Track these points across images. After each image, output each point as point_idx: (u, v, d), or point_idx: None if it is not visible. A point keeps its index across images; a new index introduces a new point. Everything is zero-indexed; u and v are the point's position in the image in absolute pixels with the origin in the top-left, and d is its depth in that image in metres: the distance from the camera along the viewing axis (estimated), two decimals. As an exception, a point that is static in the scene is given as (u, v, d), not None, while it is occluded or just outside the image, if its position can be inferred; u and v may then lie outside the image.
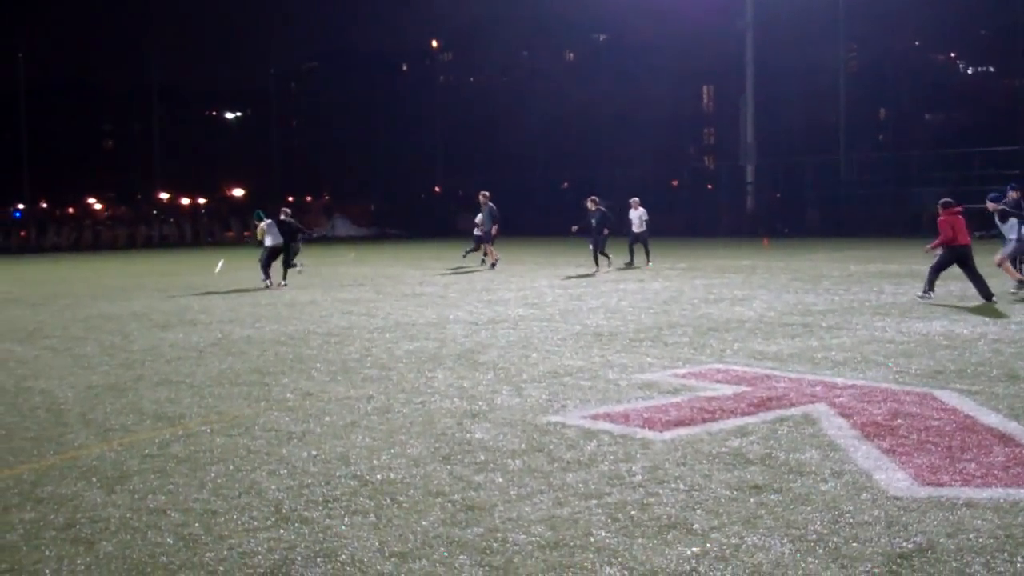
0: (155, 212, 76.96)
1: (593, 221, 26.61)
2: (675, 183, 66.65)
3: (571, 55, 79.38)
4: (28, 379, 11.46)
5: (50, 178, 75.70)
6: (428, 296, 20.55)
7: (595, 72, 70.51)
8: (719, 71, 65.00)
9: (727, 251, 35.68)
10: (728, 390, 9.59)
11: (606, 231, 26.61)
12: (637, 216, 28.44)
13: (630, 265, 27.96)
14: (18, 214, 73.49)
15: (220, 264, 29.87)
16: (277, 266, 24.33)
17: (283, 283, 24.21)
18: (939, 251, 17.42)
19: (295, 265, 25.11)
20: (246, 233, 68.60)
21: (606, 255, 26.81)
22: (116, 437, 8.39)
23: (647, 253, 28.15)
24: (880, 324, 14.24)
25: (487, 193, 29.74)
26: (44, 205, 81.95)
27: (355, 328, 15.36)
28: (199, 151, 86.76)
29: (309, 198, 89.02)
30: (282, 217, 24.59)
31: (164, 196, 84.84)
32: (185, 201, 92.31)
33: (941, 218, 17.17)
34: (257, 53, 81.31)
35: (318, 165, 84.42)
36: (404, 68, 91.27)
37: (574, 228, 27.97)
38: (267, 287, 23.60)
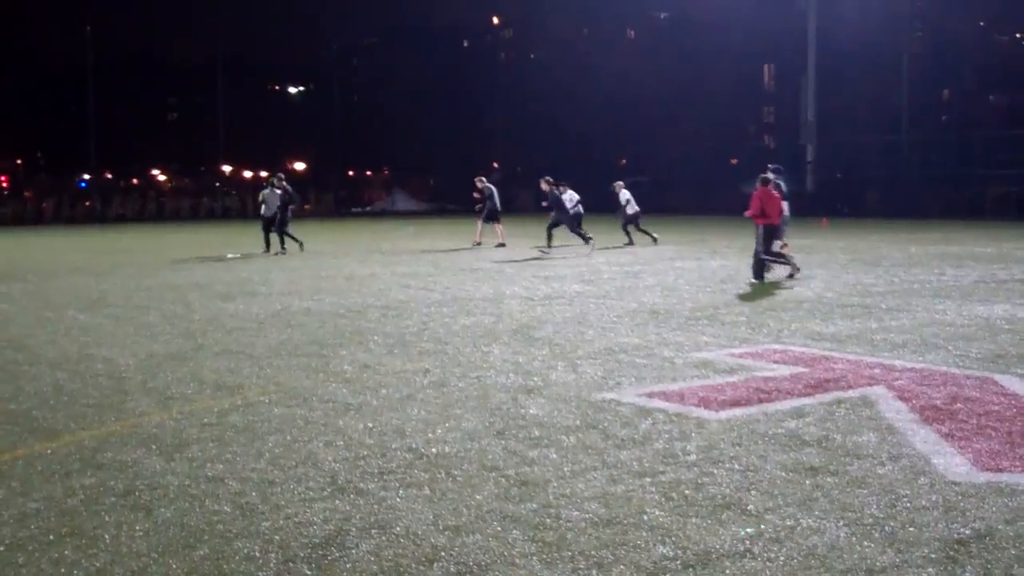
0: (218, 184, 77.68)
1: (545, 203, 27.23)
2: (734, 161, 66.03)
3: (632, 32, 78.77)
4: (91, 346, 11.62)
5: (116, 149, 76.68)
6: (485, 271, 20.55)
7: (656, 50, 69.98)
8: (781, 49, 64.16)
9: (787, 230, 35.29)
10: (785, 371, 9.48)
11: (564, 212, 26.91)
12: (624, 199, 28.16)
13: (630, 244, 28.19)
14: (83, 184, 74.45)
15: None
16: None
17: (281, 251, 24.98)
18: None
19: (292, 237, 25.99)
20: (306, 207, 69.13)
21: (580, 234, 26.80)
22: (176, 405, 8.47)
23: (646, 232, 28.69)
24: (940, 307, 14.00)
25: (549, 179, 27.93)
26: (109, 176, 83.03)
27: (413, 302, 15.40)
28: (262, 125, 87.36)
29: (369, 172, 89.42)
30: (276, 184, 25.38)
31: (227, 169, 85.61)
32: (247, 174, 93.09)
33: (754, 192, 17.59)
34: (320, 28, 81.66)
35: (378, 140, 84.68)
36: (465, 44, 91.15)
37: (543, 203, 27.45)
38: (276, 254, 24.43)
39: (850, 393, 8.51)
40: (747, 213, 17.80)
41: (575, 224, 26.51)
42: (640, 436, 7.19)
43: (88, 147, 67.55)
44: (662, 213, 50.94)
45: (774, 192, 17.79)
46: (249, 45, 78.43)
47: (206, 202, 69.33)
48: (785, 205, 18.29)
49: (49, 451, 7.09)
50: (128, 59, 75.79)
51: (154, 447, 7.15)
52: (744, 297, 15.40)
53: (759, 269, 17.40)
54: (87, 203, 64.30)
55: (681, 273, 19.44)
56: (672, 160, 62.49)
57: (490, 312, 14.05)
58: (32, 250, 31.46)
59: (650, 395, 8.53)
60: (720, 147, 64.65)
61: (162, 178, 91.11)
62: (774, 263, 17.97)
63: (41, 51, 69.64)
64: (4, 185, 79.14)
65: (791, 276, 17.86)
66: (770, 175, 17.77)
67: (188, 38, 74.62)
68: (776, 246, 17.77)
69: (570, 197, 27.21)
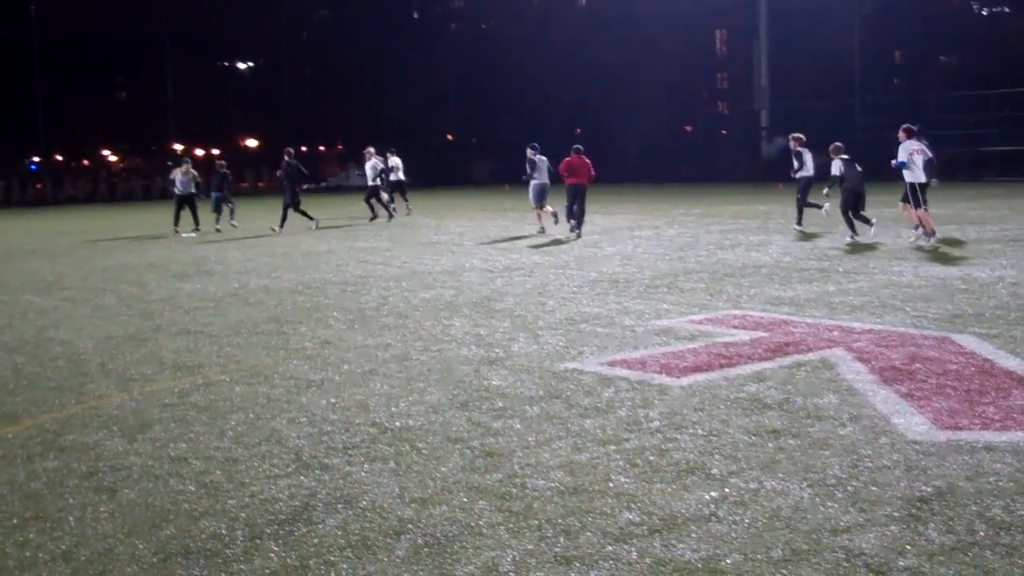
0: (170, 163, 76.86)
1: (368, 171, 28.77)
2: (688, 128, 66.22)
3: (583, 0, 78.60)
4: (48, 330, 11.50)
5: (64, 130, 75.53)
6: (443, 244, 20.52)
7: (607, 17, 69.76)
8: (732, 14, 64.26)
9: (743, 196, 35.51)
10: (745, 336, 9.56)
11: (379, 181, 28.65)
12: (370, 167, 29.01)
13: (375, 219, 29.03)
14: (34, 167, 73.41)
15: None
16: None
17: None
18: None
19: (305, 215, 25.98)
20: (260, 183, 68.58)
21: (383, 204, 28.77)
22: (136, 386, 8.42)
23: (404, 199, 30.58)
24: (897, 268, 14.16)
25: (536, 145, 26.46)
26: (59, 158, 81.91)
27: (371, 277, 15.36)
28: (212, 102, 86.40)
29: (323, 148, 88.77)
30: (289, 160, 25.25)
31: (178, 147, 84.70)
32: (199, 152, 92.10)
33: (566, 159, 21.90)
34: (268, 2, 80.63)
35: (331, 114, 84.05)
36: (415, 16, 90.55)
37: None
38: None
39: (810, 356, 8.60)
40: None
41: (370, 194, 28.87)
42: (603, 404, 7.23)
43: (37, 129, 66.56)
44: (618, 183, 51.03)
45: (579, 158, 21.90)
46: (197, 21, 77.29)
47: (159, 181, 68.52)
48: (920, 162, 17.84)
49: (10, 435, 7.03)
50: (74, 38, 74.60)
51: (116, 428, 7.11)
52: (702, 264, 15.49)
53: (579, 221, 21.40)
54: (38, 185, 63.42)
55: (639, 242, 19.51)
56: (626, 128, 62.50)
57: (450, 285, 14.04)
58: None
59: (612, 364, 8.58)
60: (674, 114, 64.76)
61: (113, 159, 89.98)
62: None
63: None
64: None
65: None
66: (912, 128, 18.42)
67: (134, 15, 73.36)
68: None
69: (372, 165, 28.87)
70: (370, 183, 28.29)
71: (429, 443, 6.46)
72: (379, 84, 78.45)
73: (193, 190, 27.17)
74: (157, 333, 11.00)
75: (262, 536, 5.03)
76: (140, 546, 4.96)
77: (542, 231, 22.46)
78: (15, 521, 5.36)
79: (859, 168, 18.65)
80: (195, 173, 27.57)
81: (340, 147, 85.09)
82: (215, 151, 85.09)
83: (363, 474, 5.91)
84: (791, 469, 5.72)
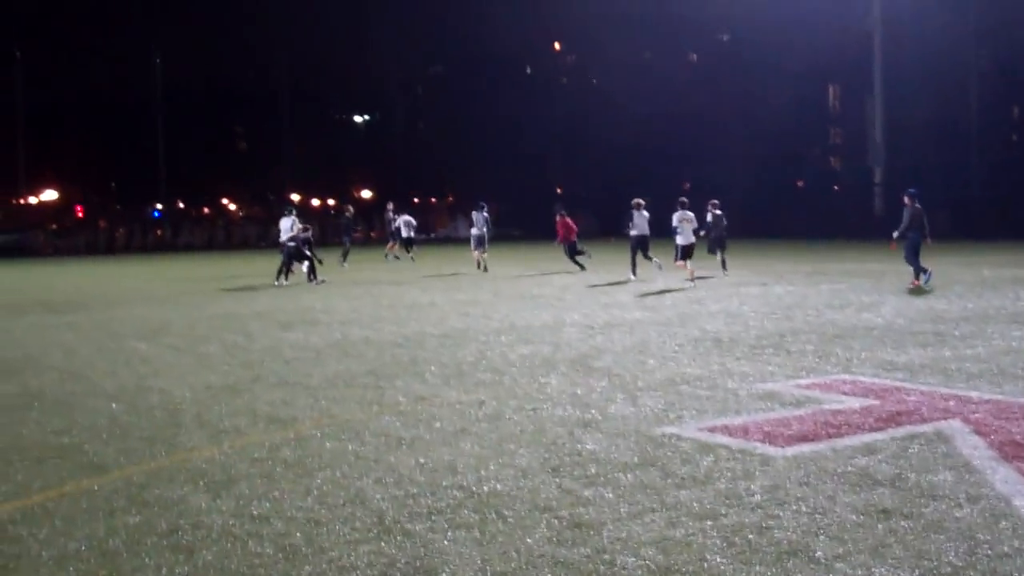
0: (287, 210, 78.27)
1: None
2: (800, 183, 65.15)
3: (694, 56, 78.23)
4: (149, 378, 11.52)
5: (186, 179, 77.63)
6: (545, 298, 20.27)
7: (718, 72, 69.32)
8: (845, 70, 63.18)
9: (853, 254, 34.61)
10: (855, 403, 9.07)
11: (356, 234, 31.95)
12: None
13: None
14: (157, 214, 75.45)
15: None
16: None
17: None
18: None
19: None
20: (372, 233, 69.37)
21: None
22: (228, 439, 8.29)
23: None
24: (1017, 334, 13.44)
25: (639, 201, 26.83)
26: (181, 205, 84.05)
27: (471, 330, 15.16)
28: (328, 152, 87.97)
29: (433, 199, 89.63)
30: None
31: (295, 197, 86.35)
32: (315, 202, 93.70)
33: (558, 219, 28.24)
34: (386, 57, 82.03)
35: (443, 166, 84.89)
36: (528, 71, 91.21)
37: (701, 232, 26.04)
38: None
39: (924, 427, 8.09)
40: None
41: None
42: (701, 475, 6.84)
43: (158, 178, 68.51)
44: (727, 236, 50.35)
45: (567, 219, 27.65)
46: (315, 74, 78.99)
47: (276, 229, 69.76)
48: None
49: (96, 487, 6.93)
50: (196, 89, 76.79)
51: (201, 483, 6.96)
52: (811, 324, 14.94)
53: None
54: (158, 232, 65.08)
55: (745, 299, 19.00)
56: (736, 183, 61.76)
57: (548, 340, 13.76)
58: (101, 279, 31.77)
59: (712, 429, 8.18)
60: (785, 169, 63.81)
61: (232, 207, 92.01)
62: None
63: (113, 82, 70.77)
64: (79, 215, 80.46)
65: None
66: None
67: (255, 68, 75.29)
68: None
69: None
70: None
71: (516, 511, 6.15)
72: (491, 137, 78.99)
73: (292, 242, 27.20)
74: (255, 384, 10.92)
75: (335, 608, 4.77)
76: (210, 614, 4.74)
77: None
78: (87, 582, 5.20)
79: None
80: (299, 225, 27.58)
81: (450, 199, 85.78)
82: (330, 201, 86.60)
83: (445, 543, 5.62)
84: (902, 555, 5.27)
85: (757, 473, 6.85)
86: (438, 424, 8.62)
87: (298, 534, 5.84)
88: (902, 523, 5.76)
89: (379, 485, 6.80)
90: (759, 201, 58.60)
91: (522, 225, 69.21)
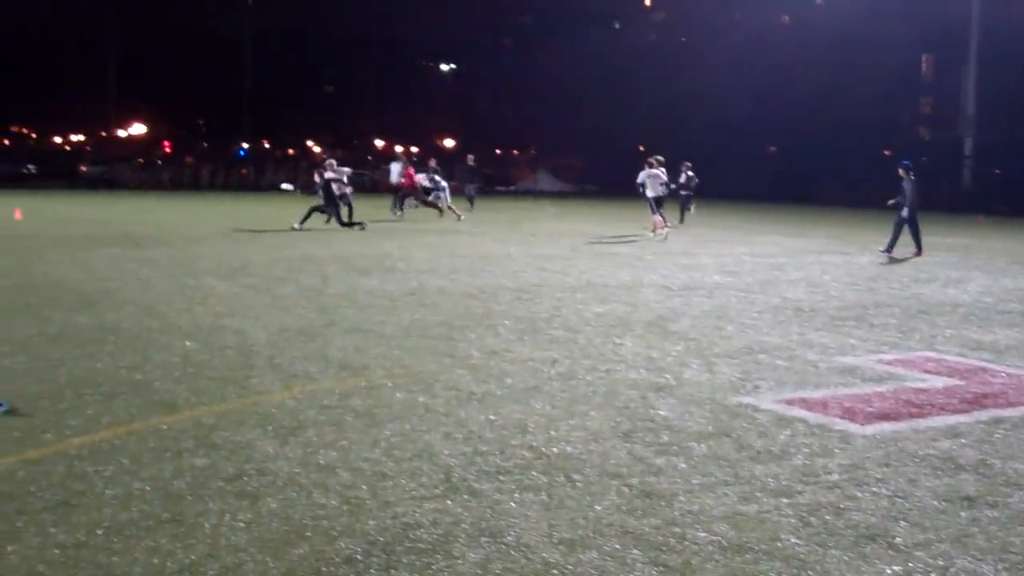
0: (369, 158, 78.47)
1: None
2: (887, 152, 63.71)
3: (786, 18, 76.56)
4: (224, 317, 11.53)
5: (272, 119, 78.15)
6: (623, 256, 20.01)
7: (810, 37, 67.75)
8: (940, 38, 61.37)
9: (940, 227, 33.72)
10: (939, 382, 8.74)
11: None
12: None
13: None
14: (243, 152, 75.99)
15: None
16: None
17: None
18: None
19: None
20: (451, 183, 69.28)
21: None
22: (298, 384, 8.24)
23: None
24: (1110, 318, 12.92)
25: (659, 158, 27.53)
26: (267, 145, 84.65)
27: (546, 286, 14.98)
28: (413, 100, 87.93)
29: (516, 151, 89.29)
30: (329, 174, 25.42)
31: (379, 143, 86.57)
32: (399, 148, 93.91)
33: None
34: (472, 6, 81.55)
35: (525, 119, 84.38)
36: (616, 26, 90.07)
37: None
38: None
39: (1010, 412, 7.77)
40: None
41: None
42: (778, 449, 6.62)
43: (243, 118, 68.97)
44: (810, 203, 49.50)
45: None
46: (403, 21, 78.74)
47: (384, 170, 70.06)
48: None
49: (165, 426, 6.90)
50: (285, 32, 77.08)
51: (270, 428, 6.90)
52: (895, 298, 14.52)
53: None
54: (243, 171, 65.51)
55: (827, 268, 18.57)
56: (822, 149, 60.50)
57: (625, 300, 13.54)
58: (184, 215, 32.09)
59: (790, 402, 7.93)
60: (872, 138, 62.37)
61: (317, 150, 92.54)
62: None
63: (203, 19, 71.32)
64: (167, 151, 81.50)
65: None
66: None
67: (343, 13, 75.16)
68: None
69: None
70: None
71: (585, 476, 5.99)
72: (574, 92, 78.30)
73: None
74: (329, 329, 10.87)
75: (398, 566, 4.67)
76: (271, 564, 4.66)
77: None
78: (151, 523, 5.15)
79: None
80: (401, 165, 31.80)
81: (533, 152, 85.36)
82: (413, 148, 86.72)
83: (512, 505, 5.49)
84: (986, 546, 5.03)
85: (835, 451, 6.61)
86: (509, 380, 8.48)
87: (364, 487, 5.74)
88: (986, 512, 5.50)
89: (448, 440, 6.69)
90: (845, 168, 57.42)
91: (603, 182, 68.67)
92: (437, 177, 32.08)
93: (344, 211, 26.02)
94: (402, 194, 32.40)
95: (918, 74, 70.44)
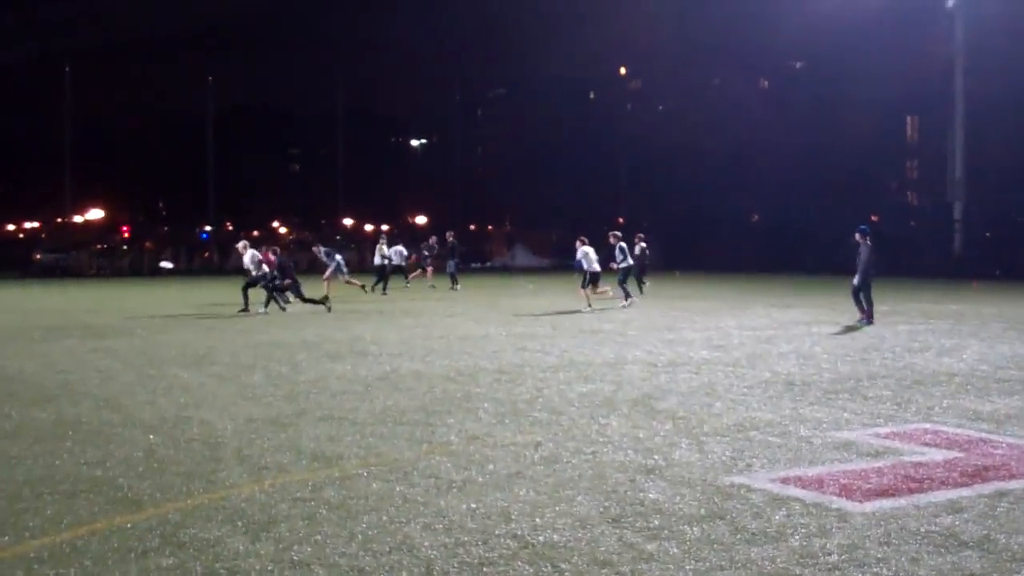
0: (338, 237, 78.75)
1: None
2: (875, 218, 64.40)
3: (765, 83, 77.81)
4: (189, 408, 11.48)
5: (237, 200, 78.42)
6: (606, 333, 20.06)
7: (790, 100, 68.84)
8: (925, 100, 62.43)
9: (932, 294, 34.03)
10: (938, 455, 8.77)
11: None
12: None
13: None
14: (206, 236, 76.11)
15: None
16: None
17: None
18: None
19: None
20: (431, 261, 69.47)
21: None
22: (269, 476, 8.19)
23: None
24: (1112, 383, 13.02)
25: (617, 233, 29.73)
26: (230, 227, 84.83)
27: (528, 366, 15.00)
28: (383, 177, 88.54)
29: (491, 227, 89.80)
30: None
31: (348, 222, 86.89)
32: (368, 227, 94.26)
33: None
34: (443, 79, 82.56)
35: (501, 193, 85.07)
36: (591, 96, 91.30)
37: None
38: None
39: (1013, 484, 7.79)
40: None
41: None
42: (773, 530, 6.61)
43: (208, 198, 69.12)
44: (797, 272, 49.87)
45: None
46: (370, 96, 79.63)
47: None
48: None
49: (129, 525, 6.84)
50: (249, 109, 77.74)
51: (240, 524, 6.84)
52: (889, 368, 14.60)
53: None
54: (206, 254, 65.57)
55: (818, 339, 18.66)
56: (807, 216, 61.16)
57: (609, 379, 13.56)
58: (145, 302, 32.02)
59: (785, 480, 7.94)
60: (859, 203, 63.06)
61: (283, 230, 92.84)
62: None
63: (163, 100, 71.82)
64: (125, 235, 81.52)
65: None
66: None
67: (309, 89, 75.79)
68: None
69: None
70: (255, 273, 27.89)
71: (574, 565, 5.96)
72: (551, 163, 79.03)
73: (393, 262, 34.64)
74: (300, 418, 10.83)
75: (378, 667, 4.61)
76: (243, 669, 4.60)
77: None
78: (116, 629, 5.08)
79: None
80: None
81: (508, 227, 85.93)
82: (384, 227, 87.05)
83: (497, 598, 5.45)
84: (995, 626, 5.02)
85: (833, 530, 6.60)
86: (491, 466, 8.46)
87: (340, 583, 5.70)
88: (994, 592, 5.50)
89: (428, 531, 6.65)
90: (832, 236, 57.97)
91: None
92: (325, 251, 32.77)
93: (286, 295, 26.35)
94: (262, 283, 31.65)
95: (904, 137, 71.63)
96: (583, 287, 27.17)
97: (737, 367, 14.77)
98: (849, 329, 20.64)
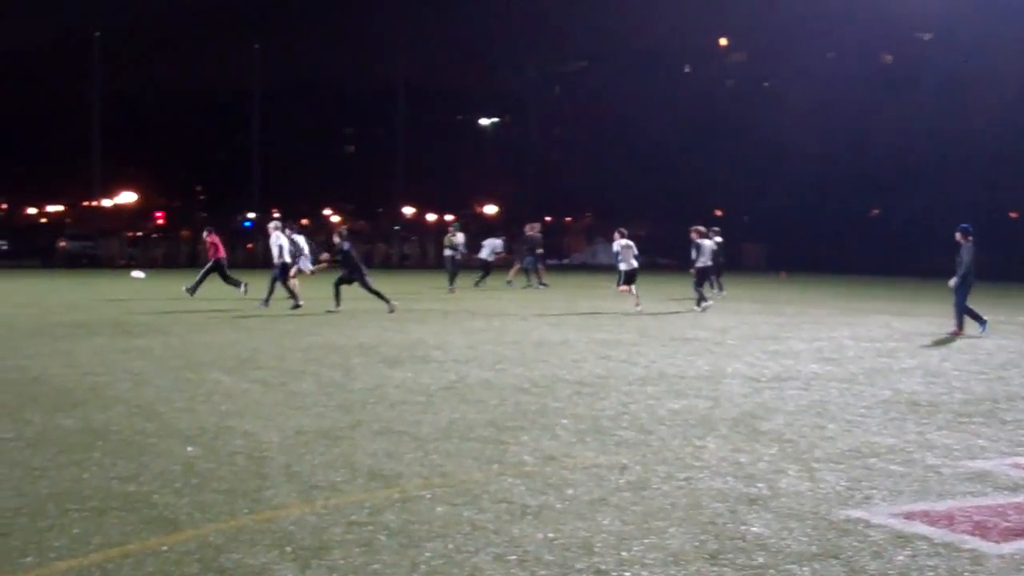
0: (396, 228, 79.25)
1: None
2: (1014, 215, 63.39)
3: (889, 58, 76.98)
4: (232, 417, 11.62)
5: (284, 185, 78.96)
6: (701, 342, 20.00)
7: (916, 77, 67.99)
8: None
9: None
10: (1089, 490, 8.63)
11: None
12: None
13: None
14: (248, 224, 76.70)
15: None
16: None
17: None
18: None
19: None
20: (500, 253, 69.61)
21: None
22: (321, 497, 8.26)
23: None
24: None
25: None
26: (276, 215, 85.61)
27: (612, 377, 15.00)
28: (448, 161, 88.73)
29: (569, 219, 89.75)
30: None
31: (408, 211, 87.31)
32: (431, 217, 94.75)
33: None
34: (517, 51, 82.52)
35: (581, 180, 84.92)
36: (687, 70, 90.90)
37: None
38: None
39: None
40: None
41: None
42: (896, 572, 6.54)
43: (253, 182, 69.69)
44: (921, 276, 49.26)
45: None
46: (435, 70, 79.56)
47: (382, 248, 70.71)
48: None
49: (165, 547, 6.93)
50: (298, 84, 78.24)
51: (288, 549, 6.91)
52: (1029, 388, 14.39)
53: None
54: (249, 245, 66.05)
55: (948, 354, 18.45)
56: (935, 211, 60.44)
57: (705, 394, 13.52)
58: (181, 297, 32.47)
59: (909, 516, 7.86)
60: (994, 197, 62.16)
61: (335, 219, 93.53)
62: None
63: (204, 73, 72.16)
64: (160, 222, 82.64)
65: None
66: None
67: (366, 63, 75.86)
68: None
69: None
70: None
71: (666, 606, 5.95)
72: (640, 148, 78.65)
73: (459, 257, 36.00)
74: (355, 431, 10.92)
75: None
76: None
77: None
78: (151, 663, 5.16)
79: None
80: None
81: (589, 218, 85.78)
82: (447, 217, 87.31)
83: (579, 641, 5.45)
84: None
85: (966, 574, 6.52)
86: (571, 491, 8.47)
87: (401, 618, 5.74)
88: None
89: (499, 563, 6.67)
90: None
91: (673, 254, 68.78)
92: (298, 239, 32.90)
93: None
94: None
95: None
96: (622, 284, 28.10)
97: (853, 384, 14.66)
98: (982, 342, 20.35)
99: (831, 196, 66.12)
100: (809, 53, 74.08)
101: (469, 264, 39.05)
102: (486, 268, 39.44)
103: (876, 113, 66.29)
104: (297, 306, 26.57)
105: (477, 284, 38.30)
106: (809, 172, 67.48)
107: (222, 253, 31.27)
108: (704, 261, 28.38)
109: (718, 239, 32.55)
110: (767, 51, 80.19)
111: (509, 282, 39.53)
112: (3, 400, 12.68)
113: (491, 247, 39.77)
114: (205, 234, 32.00)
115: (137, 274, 36.01)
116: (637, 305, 27.54)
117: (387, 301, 25.96)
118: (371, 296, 26.15)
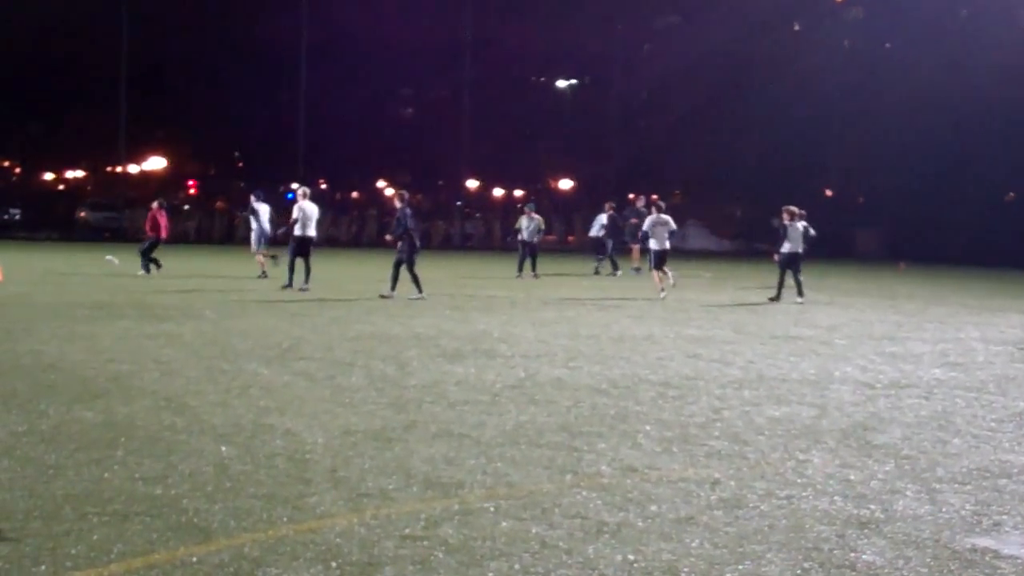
0: (459, 203, 79.33)
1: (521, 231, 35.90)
2: None
3: (1031, 16, 75.88)
4: (271, 414, 11.73)
5: (332, 153, 79.10)
6: (805, 340, 19.91)
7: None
8: None
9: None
10: None
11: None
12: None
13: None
14: (292, 196, 76.83)
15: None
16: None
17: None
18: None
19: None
20: (570, 237, 69.61)
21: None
22: (371, 506, 8.33)
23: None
24: None
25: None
26: (323, 186, 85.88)
27: (702, 379, 14.98)
28: (519, 128, 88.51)
29: (655, 196, 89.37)
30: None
31: (472, 184, 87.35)
32: (498, 192, 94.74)
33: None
34: (601, 3, 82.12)
35: (671, 153, 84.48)
36: (796, 28, 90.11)
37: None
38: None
39: None
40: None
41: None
42: (1030, 611, 6.50)
43: (296, 148, 69.88)
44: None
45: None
46: (504, 25, 79.20)
47: (441, 226, 70.81)
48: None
49: (195, 558, 7.03)
50: (350, 38, 78.20)
51: (334, 565, 6.99)
52: None
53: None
54: (293, 220, 66.23)
55: (1092, 360, 18.21)
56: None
57: (810, 401, 13.47)
58: (216, 277, 32.77)
59: (1046, 546, 7.80)
60: None
61: (389, 192, 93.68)
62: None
63: (244, 25, 72.02)
64: (192, 192, 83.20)
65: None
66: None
67: (426, 14, 75.60)
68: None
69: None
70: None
71: (762, 641, 5.95)
72: (738, 116, 78.04)
73: (536, 239, 35.80)
74: (410, 432, 10.99)
75: None
76: None
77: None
78: None
79: None
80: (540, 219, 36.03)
81: (678, 197, 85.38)
82: (516, 192, 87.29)
83: None
84: None
85: (1112, 616, 6.46)
86: (654, 507, 8.48)
87: (460, 646, 5.79)
88: None
89: (572, 587, 6.70)
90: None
91: (772, 238, 68.32)
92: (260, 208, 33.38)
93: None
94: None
95: None
96: (653, 268, 28.91)
97: (983, 393, 14.54)
98: None
99: (959, 176, 65.22)
100: (938, 10, 73.09)
101: (544, 248, 39.39)
102: (601, 249, 40.36)
103: (1016, 79, 65.25)
104: (263, 276, 30.35)
105: (597, 271, 39.73)
106: (936, 146, 66.60)
107: (164, 234, 33.33)
108: (792, 247, 28.22)
109: (803, 224, 31.99)
110: (890, 8, 79.19)
111: (637, 269, 39.56)
112: (16, 389, 12.89)
113: (599, 223, 40.08)
114: (155, 205, 33.21)
115: (110, 259, 36.21)
116: (662, 291, 28.37)
117: (420, 289, 26.08)
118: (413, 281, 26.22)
